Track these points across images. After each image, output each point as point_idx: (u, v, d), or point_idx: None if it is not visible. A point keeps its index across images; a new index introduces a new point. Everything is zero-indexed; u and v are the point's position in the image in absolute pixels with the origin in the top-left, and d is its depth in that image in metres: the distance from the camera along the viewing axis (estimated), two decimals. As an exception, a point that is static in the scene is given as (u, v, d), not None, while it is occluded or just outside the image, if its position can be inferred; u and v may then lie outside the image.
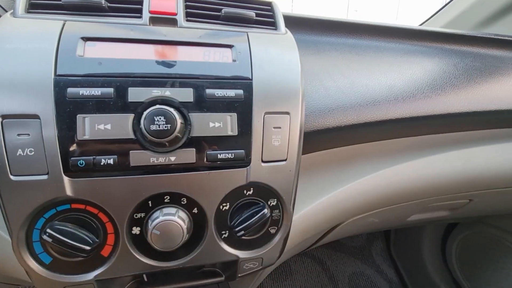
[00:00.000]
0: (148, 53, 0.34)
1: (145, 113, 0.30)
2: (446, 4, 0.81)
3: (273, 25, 0.42)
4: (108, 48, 0.33)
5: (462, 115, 0.49)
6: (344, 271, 1.20)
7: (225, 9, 0.40)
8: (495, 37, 0.59)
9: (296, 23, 0.54)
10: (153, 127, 0.29)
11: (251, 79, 0.35)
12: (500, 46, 0.60)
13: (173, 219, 0.31)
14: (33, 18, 0.33)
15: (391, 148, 0.50)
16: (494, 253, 0.94)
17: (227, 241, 0.36)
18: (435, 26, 0.84)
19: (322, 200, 0.44)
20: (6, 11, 0.41)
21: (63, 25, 0.33)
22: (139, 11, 0.37)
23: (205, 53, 0.36)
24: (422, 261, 1.12)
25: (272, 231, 0.38)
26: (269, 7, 0.44)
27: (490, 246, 0.95)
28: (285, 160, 0.36)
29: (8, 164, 0.28)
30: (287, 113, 0.36)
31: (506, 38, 0.60)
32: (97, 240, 0.31)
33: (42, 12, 0.34)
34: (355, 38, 0.57)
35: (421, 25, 0.88)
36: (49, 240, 0.29)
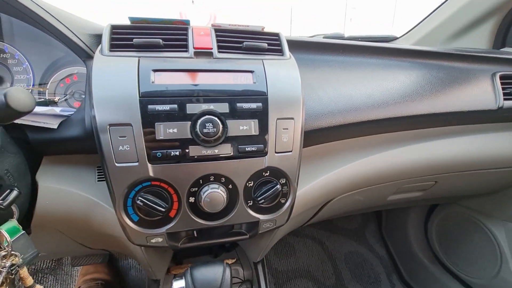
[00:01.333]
0: (197, 78, 0.49)
1: (199, 121, 0.45)
2: (424, 19, 0.96)
3: (280, 52, 0.57)
4: (170, 76, 0.48)
5: (424, 116, 0.64)
6: (341, 250, 1.37)
7: (245, 42, 0.55)
8: (456, 52, 0.74)
9: (296, 46, 0.69)
10: (205, 130, 0.45)
11: (267, 95, 0.50)
12: (460, 60, 0.75)
13: (217, 191, 0.47)
14: (116, 56, 0.48)
15: (369, 142, 0.65)
16: (466, 230, 1.10)
17: (252, 208, 0.52)
18: (414, 37, 0.99)
19: (318, 181, 0.59)
20: (87, 46, 0.55)
21: (139, 60, 0.48)
22: (186, 46, 0.52)
23: (234, 77, 0.51)
24: (408, 240, 1.29)
25: (282, 201, 0.54)
26: (277, 37, 0.58)
27: (463, 224, 1.11)
28: (291, 151, 0.51)
29: (114, 155, 0.44)
30: (292, 118, 0.51)
31: (465, 53, 0.74)
32: (167, 206, 0.47)
33: (120, 50, 0.49)
34: (344, 55, 0.72)
35: (402, 36, 1.03)
36: (141, 204, 0.45)
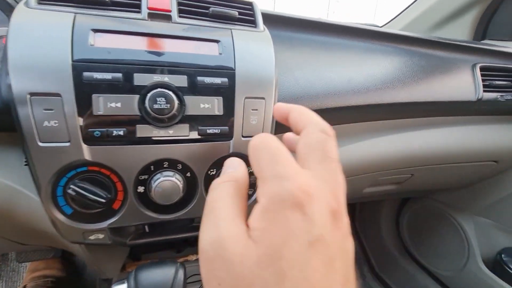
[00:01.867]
0: (149, 44, 0.41)
1: (149, 94, 0.37)
2: (405, 8, 0.92)
3: (253, 23, 0.50)
4: (114, 39, 0.40)
5: (405, 104, 0.61)
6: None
7: (212, 8, 0.47)
8: (439, 40, 0.71)
9: (273, 20, 0.62)
10: (155, 106, 0.37)
11: (234, 70, 0.43)
12: (442, 48, 0.72)
13: (172, 179, 0.40)
14: (45, 10, 0.39)
15: (347, 132, 0.61)
16: (436, 223, 1.12)
17: (213, 199, 0.45)
18: (396, 27, 0.95)
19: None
20: (17, 2, 0.45)
21: (74, 17, 0.39)
22: (138, 6, 0.43)
23: (195, 46, 0.43)
24: (380, 233, 1.30)
25: (250, 192, 0.47)
26: (250, 7, 0.51)
27: (433, 217, 1.13)
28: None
29: (37, 132, 0.35)
30: (263, 98, 0.44)
31: (447, 41, 0.71)
32: (109, 196, 0.39)
33: (52, 4, 0.40)
34: (325, 36, 0.66)
35: (384, 25, 0.99)
36: (73, 193, 0.36)
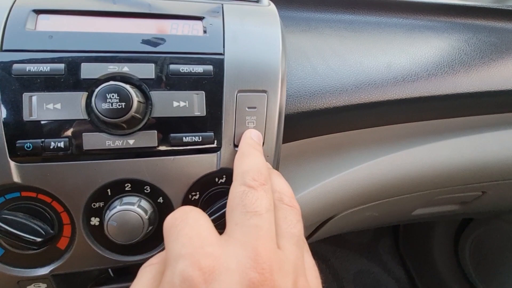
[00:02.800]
0: (107, 26, 0.31)
1: (96, 90, 0.26)
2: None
3: (254, -3, 0.38)
4: (63, 21, 0.30)
5: (472, 95, 0.43)
6: (349, 269, 1.15)
7: (199, -21, 0.36)
8: (514, 9, 0.52)
9: (285, -1, 0.49)
10: (105, 106, 0.26)
11: (223, 54, 0.31)
12: (520, 19, 0.53)
13: (131, 209, 0.28)
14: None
15: (389, 135, 0.45)
16: (511, 250, 0.87)
17: (198, 234, 0.33)
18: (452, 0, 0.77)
19: (310, 190, 0.39)
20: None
21: (15, -3, 0.30)
22: (102, -18, 0.33)
23: (172, 26, 0.32)
24: (432, 260, 1.06)
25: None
26: (251, -22, 0.39)
27: (508, 244, 0.87)
28: (262, 144, 0.32)
29: (-51, 147, 0.26)
30: (264, 91, 0.32)
31: (528, 9, 0.53)
32: (51, 232, 0.28)
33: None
34: (352, 14, 0.52)
35: None
36: (-5, 230, 0.26)
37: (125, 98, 0.26)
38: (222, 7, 0.34)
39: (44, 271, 0.29)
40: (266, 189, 0.24)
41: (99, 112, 0.26)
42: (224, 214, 0.31)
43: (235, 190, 0.24)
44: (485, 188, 0.54)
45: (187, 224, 0.21)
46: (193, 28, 0.32)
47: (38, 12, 0.30)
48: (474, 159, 0.47)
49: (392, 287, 1.12)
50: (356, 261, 1.16)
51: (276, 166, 0.34)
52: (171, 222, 0.22)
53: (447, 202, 0.60)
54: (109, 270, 0.34)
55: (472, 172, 0.48)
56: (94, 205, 0.29)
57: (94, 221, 0.30)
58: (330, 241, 1.18)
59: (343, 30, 0.48)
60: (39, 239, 0.27)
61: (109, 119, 0.26)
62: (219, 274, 0.18)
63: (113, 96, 0.26)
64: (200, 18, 0.33)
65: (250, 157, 0.27)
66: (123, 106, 0.26)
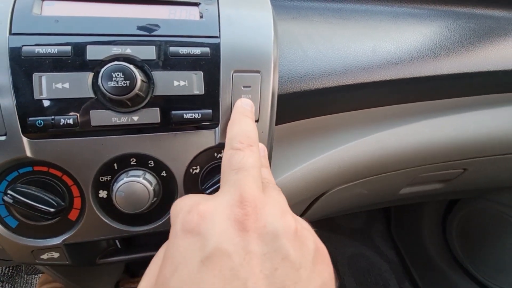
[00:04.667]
0: (110, 11, 0.32)
1: (102, 69, 0.28)
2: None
3: (247, -16, 0.40)
4: (67, 6, 0.32)
5: (452, 77, 0.46)
6: (344, 253, 1.19)
7: (195, -32, 0.38)
8: (491, -4, 0.56)
9: (276, -12, 0.51)
10: (111, 84, 0.28)
11: (219, 37, 0.33)
12: (497, 6, 0.56)
13: (138, 180, 0.30)
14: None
15: (376, 116, 0.47)
16: (496, 230, 0.92)
17: (200, 205, 0.35)
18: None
19: (302, 166, 0.42)
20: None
21: (21, -16, 0.31)
22: (103, -30, 0.35)
23: (170, 11, 0.34)
24: (422, 241, 1.11)
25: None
26: (244, -33, 0.41)
27: (492, 222, 0.92)
28: (257, 121, 0.34)
29: (-35, 124, 0.27)
30: (258, 71, 0.34)
31: (504, -4, 0.56)
32: (62, 204, 0.31)
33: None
34: (340, 2, 0.54)
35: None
36: (11, 201, 0.28)
37: (129, 76, 0.28)
38: (217, -6, 0.36)
39: (56, 240, 0.31)
40: (252, 150, 0.25)
41: (105, 90, 0.28)
42: None
43: (224, 155, 0.26)
44: (466, 165, 0.57)
45: (186, 196, 0.24)
46: (190, 13, 0.34)
47: (44, -3, 0.31)
48: (454, 138, 0.50)
49: (385, 269, 1.17)
50: (350, 246, 1.20)
51: (270, 143, 0.36)
52: (175, 202, 0.25)
53: (431, 180, 0.64)
54: (117, 242, 0.37)
55: (453, 149, 0.51)
56: (102, 178, 0.31)
57: (102, 193, 0.32)
58: (324, 226, 1.22)
59: (331, 18, 0.51)
60: (52, 210, 0.29)
61: (114, 96, 0.28)
62: (211, 215, 0.21)
63: (118, 75, 0.28)
64: (196, 4, 0.35)
65: (239, 123, 0.29)
66: (128, 84, 0.28)
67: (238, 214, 0.20)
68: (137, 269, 0.62)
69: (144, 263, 0.59)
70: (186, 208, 0.22)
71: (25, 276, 0.99)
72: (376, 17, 0.52)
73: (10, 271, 0.99)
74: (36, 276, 0.98)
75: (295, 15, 0.50)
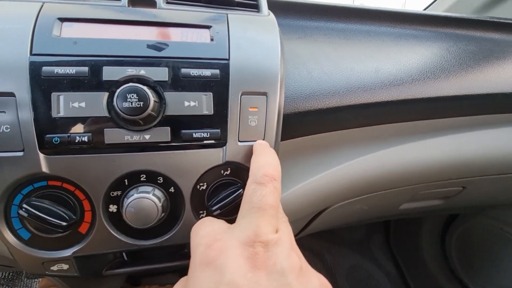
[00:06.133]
0: (125, 33, 0.34)
1: (117, 90, 0.30)
2: (444, -11, 0.79)
3: (255, 7, 0.42)
4: (85, 28, 0.33)
5: (451, 98, 0.48)
6: (343, 264, 1.19)
7: (206, -9, 0.39)
8: (491, 19, 0.58)
9: (283, 8, 0.53)
10: (125, 105, 0.30)
11: (228, 59, 0.35)
12: (496, 29, 0.58)
13: (147, 196, 0.31)
14: (14, 0, 0.34)
15: (377, 134, 0.49)
16: (494, 246, 0.92)
17: (205, 221, 0.36)
18: (436, 11, 0.82)
19: (304, 184, 0.43)
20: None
21: (41, 6, 0.33)
22: (119, -7, 0.37)
23: (182, 33, 0.36)
24: (421, 254, 1.11)
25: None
26: (252, -11, 0.43)
27: (490, 238, 0.93)
28: (262, 140, 0.36)
29: (-15, 140, 0.29)
30: (265, 93, 0.35)
31: (502, 21, 0.58)
32: (74, 217, 0.32)
33: (22, -5, 0.35)
34: (344, 22, 0.56)
35: (423, 10, 0.86)
36: (25, 215, 0.29)
37: (143, 98, 0.30)
38: (227, 17, 0.38)
39: (67, 253, 0.32)
40: (275, 186, 0.27)
41: (120, 110, 0.30)
42: (228, 203, 0.34)
43: (247, 188, 0.28)
44: (465, 184, 0.58)
45: (206, 223, 0.28)
46: (201, 36, 0.36)
47: (63, 20, 0.33)
48: (454, 157, 0.51)
49: (383, 282, 1.17)
50: (349, 257, 1.21)
51: (275, 160, 0.37)
52: (194, 226, 0.28)
53: (431, 197, 0.65)
54: (124, 254, 0.38)
55: (453, 168, 0.52)
56: (112, 193, 0.33)
57: (112, 208, 0.33)
58: (324, 237, 1.22)
59: (336, 38, 0.52)
60: (64, 223, 0.31)
61: (128, 116, 0.30)
62: (227, 251, 0.23)
63: (132, 96, 0.30)
64: (207, 27, 0.36)
65: (264, 155, 0.31)
66: (141, 105, 0.30)
67: (252, 253, 0.23)
68: (139, 278, 0.63)
69: (146, 273, 0.60)
70: (206, 241, 0.25)
71: (25, 279, 0.99)
72: (378, 38, 0.54)
73: (10, 274, 0.99)
74: (36, 280, 0.98)
75: (300, 34, 0.52)
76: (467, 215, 0.98)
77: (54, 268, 0.33)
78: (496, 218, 0.89)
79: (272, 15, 0.42)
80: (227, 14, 0.38)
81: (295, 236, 0.66)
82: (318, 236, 1.21)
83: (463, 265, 1.03)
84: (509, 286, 0.91)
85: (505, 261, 0.92)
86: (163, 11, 0.37)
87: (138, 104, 0.30)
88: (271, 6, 0.44)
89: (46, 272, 0.33)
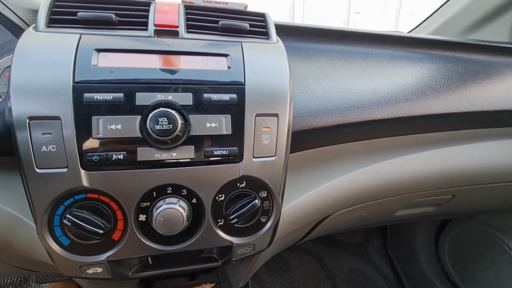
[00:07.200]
0: (153, 62, 0.39)
1: (150, 115, 0.34)
2: (434, 12, 0.85)
3: (265, 34, 0.47)
4: (119, 58, 0.38)
5: (440, 116, 0.53)
6: (341, 267, 1.23)
7: (222, 21, 0.44)
8: (476, 42, 0.63)
9: (289, 32, 0.58)
10: (157, 127, 0.34)
11: (244, 85, 0.39)
12: (481, 51, 0.63)
13: (174, 207, 0.36)
14: (53, 32, 0.38)
15: (374, 148, 0.54)
16: (484, 250, 0.97)
17: (223, 228, 0.41)
18: (423, 33, 0.88)
19: (310, 194, 0.48)
20: (27, 24, 0.46)
21: (80, 38, 0.37)
22: (145, 24, 0.41)
23: (203, 61, 0.40)
24: (416, 257, 1.16)
25: (263, 220, 0.42)
26: (262, 18, 0.48)
27: (480, 243, 0.98)
28: (274, 156, 0.40)
29: (34, 158, 0.33)
30: (276, 115, 0.40)
31: (487, 43, 0.63)
32: (108, 226, 0.36)
33: (60, 26, 0.39)
34: (344, 45, 0.61)
35: (410, 31, 0.92)
36: (68, 224, 0.33)
37: (172, 121, 0.34)
38: (242, 45, 0.43)
39: (101, 257, 0.36)
40: None
41: (152, 131, 0.34)
42: (244, 213, 0.39)
43: None
44: (454, 192, 0.64)
45: None
46: (219, 63, 0.41)
47: (99, 50, 0.37)
48: (444, 168, 0.57)
49: (381, 284, 1.21)
50: (348, 261, 1.25)
51: (285, 173, 0.42)
52: None
53: (424, 204, 0.70)
54: (149, 258, 0.42)
55: (442, 178, 0.57)
56: (142, 204, 0.37)
57: (142, 217, 0.37)
58: (324, 242, 1.27)
59: (336, 59, 0.58)
60: (101, 231, 0.35)
61: (159, 137, 0.34)
62: None
63: (163, 119, 0.34)
64: (225, 55, 0.41)
65: None
66: (171, 127, 0.34)
67: None
68: (152, 280, 0.66)
69: (160, 277, 0.64)
70: None
71: (33, 284, 1.02)
72: (375, 59, 0.59)
73: (19, 279, 1.02)
74: (43, 285, 1.01)
75: (304, 56, 0.57)
76: (458, 220, 1.03)
77: (90, 271, 0.37)
78: (487, 223, 0.95)
79: (280, 42, 0.47)
80: (241, 43, 0.43)
81: (299, 241, 0.71)
82: (318, 240, 1.26)
83: (456, 268, 1.08)
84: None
85: (496, 264, 0.97)
86: (185, 41, 0.41)
87: (168, 126, 0.34)
88: (279, 30, 0.49)
89: (83, 275, 0.37)
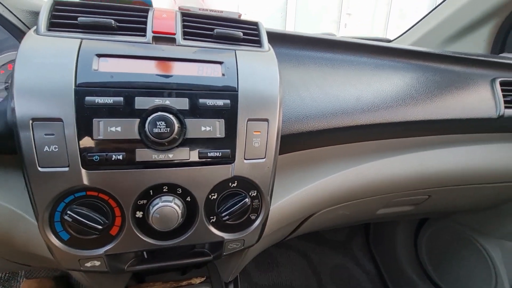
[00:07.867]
0: (152, 68, 0.41)
1: (149, 118, 0.37)
2: (417, 22, 0.90)
3: (258, 43, 0.49)
4: (118, 63, 0.40)
5: (418, 122, 0.57)
6: (327, 264, 1.28)
7: (217, 29, 0.47)
8: (454, 54, 0.68)
9: (280, 39, 0.61)
10: (155, 130, 0.36)
11: (237, 91, 0.42)
12: (458, 63, 0.68)
13: (170, 205, 0.38)
14: (54, 36, 0.40)
15: (356, 151, 0.58)
16: (458, 246, 1.04)
17: (215, 224, 0.44)
18: (407, 41, 0.93)
19: (296, 193, 0.51)
20: (27, 26, 0.47)
21: (81, 43, 0.39)
22: (144, 30, 0.43)
23: (199, 68, 0.43)
24: (396, 254, 1.22)
25: (253, 217, 0.45)
26: (255, 27, 0.51)
27: (455, 240, 1.05)
28: (264, 158, 0.43)
29: (37, 158, 0.35)
30: (266, 120, 0.43)
31: (463, 55, 0.68)
32: (107, 222, 0.38)
33: (61, 30, 0.41)
34: (332, 53, 0.65)
35: (395, 39, 0.97)
36: (69, 220, 0.36)
37: (169, 124, 0.37)
38: (235, 53, 0.45)
39: (100, 251, 0.39)
40: None
41: (150, 134, 0.36)
42: (235, 211, 0.42)
43: None
44: (430, 193, 0.69)
45: None
46: (214, 70, 0.43)
47: (100, 55, 0.39)
48: (420, 170, 0.61)
49: (363, 279, 1.27)
50: (333, 257, 1.30)
51: (274, 174, 0.45)
52: None
53: (403, 204, 0.75)
54: (144, 253, 0.44)
55: (418, 180, 0.62)
56: (139, 202, 0.39)
57: (139, 214, 0.39)
58: (310, 239, 1.32)
59: (324, 66, 0.61)
60: (100, 227, 0.37)
61: (157, 139, 0.37)
62: None
63: (161, 123, 0.37)
64: (220, 63, 0.44)
65: None
66: (168, 131, 0.37)
67: None
68: (143, 275, 0.68)
69: (152, 271, 0.67)
70: None
71: (21, 280, 1.01)
72: (360, 67, 0.63)
73: (7, 275, 1.01)
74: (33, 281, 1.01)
75: (294, 63, 0.60)
76: (435, 219, 1.10)
77: (88, 264, 0.39)
78: (460, 222, 1.02)
79: (272, 50, 0.49)
80: (235, 50, 0.46)
81: (286, 238, 0.74)
82: (305, 238, 1.31)
83: (433, 264, 1.15)
84: (473, 284, 1.03)
85: (470, 261, 1.04)
86: (182, 48, 0.44)
87: (165, 129, 0.37)
88: (271, 37, 0.52)
89: (81, 268, 0.39)
